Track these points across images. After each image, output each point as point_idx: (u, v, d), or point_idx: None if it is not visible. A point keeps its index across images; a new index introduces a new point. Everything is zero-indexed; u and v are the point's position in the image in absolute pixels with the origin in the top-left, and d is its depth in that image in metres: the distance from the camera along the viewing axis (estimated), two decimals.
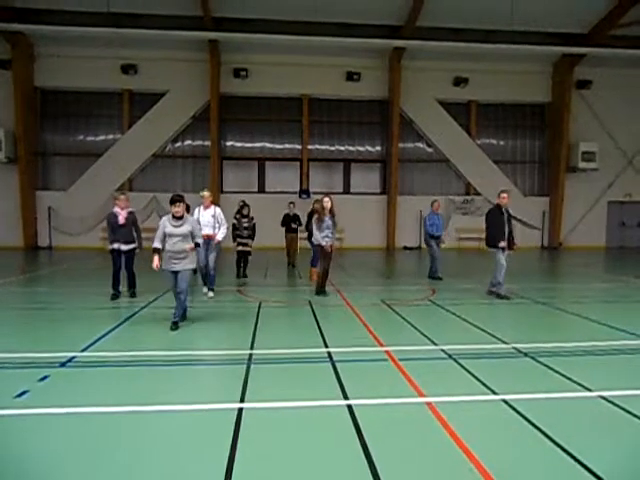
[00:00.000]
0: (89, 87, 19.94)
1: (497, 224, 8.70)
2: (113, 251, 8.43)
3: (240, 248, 11.08)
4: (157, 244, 6.40)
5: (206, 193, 8.79)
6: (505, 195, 8.82)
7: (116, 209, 8.44)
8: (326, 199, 8.87)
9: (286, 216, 12.98)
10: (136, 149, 20.01)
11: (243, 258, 11.21)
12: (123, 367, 4.89)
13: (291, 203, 13.17)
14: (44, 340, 5.93)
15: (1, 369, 4.79)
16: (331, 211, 8.86)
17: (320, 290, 9.03)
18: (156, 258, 6.37)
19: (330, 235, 8.89)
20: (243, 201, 11.65)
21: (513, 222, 9.24)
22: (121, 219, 8.35)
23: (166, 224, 6.36)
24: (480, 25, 18.84)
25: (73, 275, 11.92)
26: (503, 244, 8.66)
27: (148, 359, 5.11)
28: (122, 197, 8.55)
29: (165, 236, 6.36)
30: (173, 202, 6.33)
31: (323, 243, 8.82)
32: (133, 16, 17.65)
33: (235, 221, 11.09)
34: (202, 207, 8.72)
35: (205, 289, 8.86)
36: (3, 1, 17.07)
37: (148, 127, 20.01)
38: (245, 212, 11.06)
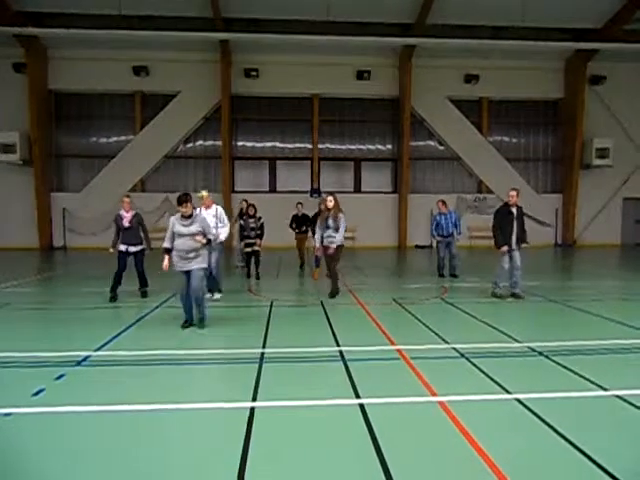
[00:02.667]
0: (101, 89, 20.16)
1: (502, 225, 8.49)
2: (120, 252, 8.51)
3: (248, 249, 11.06)
4: (167, 244, 6.40)
5: (205, 193, 8.50)
6: (514, 193, 8.52)
7: (121, 211, 8.54)
8: (329, 198, 8.64)
9: (294, 217, 12.93)
10: (148, 150, 20.16)
11: (254, 258, 11.21)
12: (137, 366, 4.94)
13: (299, 203, 13.03)
14: (60, 339, 6.01)
15: (18, 368, 4.86)
16: (335, 210, 8.59)
17: (331, 293, 8.83)
18: (166, 258, 6.40)
19: (333, 234, 8.52)
20: (245, 200, 11.69)
21: (525, 220, 9.04)
22: (125, 222, 8.43)
23: (175, 223, 6.34)
24: (491, 22, 18.69)
25: (87, 275, 12.06)
26: (505, 248, 8.44)
27: (161, 358, 5.16)
28: (126, 199, 8.60)
29: (174, 235, 6.35)
30: (180, 202, 6.28)
31: (317, 244, 8.72)
32: (144, 18, 17.79)
33: (242, 221, 11.05)
34: (202, 208, 8.39)
35: (209, 295, 8.49)
36: (16, 6, 17.30)
37: (160, 128, 20.16)
38: (251, 212, 11.04)
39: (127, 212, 8.50)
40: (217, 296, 8.70)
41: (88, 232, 19.78)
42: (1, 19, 16.88)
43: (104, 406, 3.86)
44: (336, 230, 8.52)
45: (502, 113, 21.79)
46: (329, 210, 8.61)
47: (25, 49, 18.61)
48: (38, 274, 12.72)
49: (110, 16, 17.41)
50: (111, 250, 8.66)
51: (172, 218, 6.44)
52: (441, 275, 11.43)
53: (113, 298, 8.40)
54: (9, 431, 3.49)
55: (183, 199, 6.28)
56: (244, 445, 3.22)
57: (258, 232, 11.04)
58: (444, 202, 11.70)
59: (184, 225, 6.31)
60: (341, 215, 8.60)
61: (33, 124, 19.07)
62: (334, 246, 8.53)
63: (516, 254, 8.56)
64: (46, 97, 19.82)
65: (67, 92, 20.23)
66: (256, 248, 11.07)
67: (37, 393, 4.11)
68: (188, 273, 6.35)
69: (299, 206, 12.87)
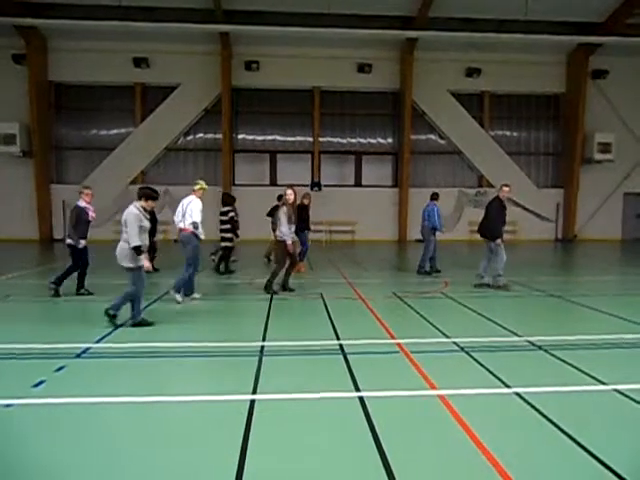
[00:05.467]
0: (102, 81, 20.08)
1: (502, 218, 8.82)
2: (85, 248, 8.04)
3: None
4: (139, 241, 5.90)
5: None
6: (507, 189, 8.98)
7: (83, 204, 7.95)
8: (289, 191, 8.25)
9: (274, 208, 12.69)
10: (149, 142, 20.11)
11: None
12: (137, 358, 4.94)
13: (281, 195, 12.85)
14: (60, 331, 6.01)
15: (18, 359, 4.87)
16: (293, 205, 8.27)
17: (267, 286, 8.43)
18: (145, 257, 5.99)
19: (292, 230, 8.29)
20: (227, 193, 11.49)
21: (526, 214, 9.30)
22: (92, 214, 8.03)
23: (142, 218, 5.98)
24: (493, 15, 18.62)
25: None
26: (502, 238, 8.84)
27: (161, 350, 5.16)
28: (88, 191, 8.08)
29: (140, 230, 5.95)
30: (154, 198, 6.07)
31: (289, 240, 8.15)
32: (145, 9, 17.70)
33: (234, 214, 10.68)
34: (195, 197, 7.90)
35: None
36: None
37: (160, 120, 20.10)
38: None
39: (89, 204, 8.03)
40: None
41: None
42: (1, 10, 16.78)
43: (104, 398, 3.86)
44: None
45: (503, 107, 21.71)
46: (293, 204, 8.30)
47: (25, 40, 18.54)
48: (38, 266, 12.72)
49: (110, 7, 17.33)
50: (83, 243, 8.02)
51: (135, 211, 5.95)
52: (428, 272, 10.75)
53: (87, 292, 8.10)
54: (9, 422, 3.50)
55: (157, 196, 6.16)
56: (244, 437, 3.23)
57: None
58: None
59: (148, 220, 6.11)
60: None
61: (33, 115, 19.02)
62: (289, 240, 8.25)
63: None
64: (46, 88, 19.75)
65: (67, 83, 20.16)
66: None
67: (37, 385, 4.11)
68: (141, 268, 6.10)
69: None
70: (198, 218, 7.60)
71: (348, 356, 4.94)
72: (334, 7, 17.54)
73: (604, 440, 3.21)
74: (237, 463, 2.92)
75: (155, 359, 4.93)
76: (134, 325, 6.06)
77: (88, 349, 5.15)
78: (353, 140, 21.58)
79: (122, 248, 5.95)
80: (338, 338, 5.63)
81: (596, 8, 18.65)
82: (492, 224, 8.83)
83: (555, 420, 3.46)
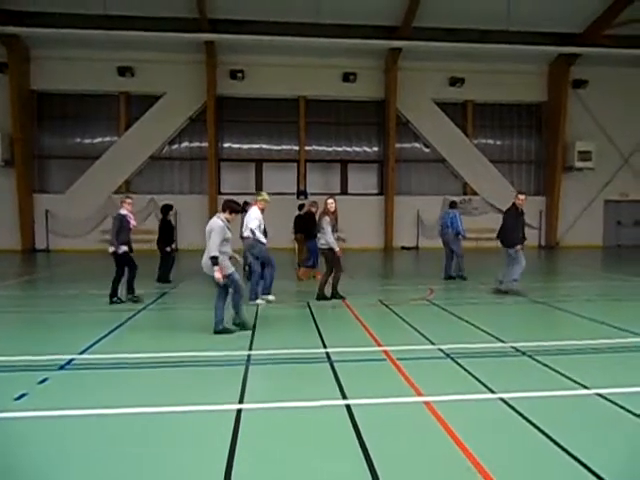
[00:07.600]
0: (86, 89, 19.92)
1: (519, 225, 9.08)
2: (127, 254, 8.28)
3: None
4: (217, 252, 6.08)
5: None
6: (523, 197, 9.23)
7: (124, 212, 8.31)
8: (330, 200, 8.64)
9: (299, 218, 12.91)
10: (133, 151, 19.98)
11: None
12: (121, 369, 4.89)
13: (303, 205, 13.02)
14: (43, 343, 5.93)
15: (0, 372, 4.79)
16: (335, 214, 8.64)
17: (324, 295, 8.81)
18: (218, 268, 6.09)
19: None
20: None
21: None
22: (133, 222, 8.38)
23: (225, 229, 6.18)
24: (476, 25, 18.93)
25: (71, 278, 11.90)
26: (521, 246, 9.05)
27: (146, 361, 5.11)
28: (130, 200, 8.57)
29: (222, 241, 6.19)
30: (240, 211, 6.43)
31: (337, 247, 8.61)
32: (129, 18, 17.65)
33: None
34: (256, 209, 8.67)
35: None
36: None
37: (145, 129, 20.00)
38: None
39: (131, 212, 8.44)
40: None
41: (71, 234, 19.53)
42: None
43: (88, 410, 3.81)
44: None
45: (486, 116, 22.01)
46: (335, 213, 8.63)
47: (7, 48, 18.34)
48: (20, 277, 12.53)
49: (94, 16, 17.25)
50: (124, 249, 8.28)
51: (221, 223, 6.15)
52: (453, 277, 11.23)
53: (137, 298, 8.36)
54: None
55: (240, 209, 6.46)
56: (231, 447, 3.21)
57: None
58: None
59: (230, 231, 6.30)
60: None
61: (15, 124, 18.79)
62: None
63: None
64: (28, 97, 19.54)
65: (50, 92, 19.97)
66: None
67: (19, 397, 4.04)
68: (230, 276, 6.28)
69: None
70: (252, 224, 8.34)
71: (335, 364, 4.94)
72: (319, 17, 17.68)
73: (588, 444, 3.25)
74: (224, 472, 2.90)
75: (139, 370, 4.88)
76: (215, 332, 6.20)
77: (72, 360, 5.08)
78: (339, 148, 21.70)
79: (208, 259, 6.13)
80: (325, 346, 5.64)
81: (576, 19, 19.11)
82: (509, 231, 9.06)
83: (539, 425, 3.49)
